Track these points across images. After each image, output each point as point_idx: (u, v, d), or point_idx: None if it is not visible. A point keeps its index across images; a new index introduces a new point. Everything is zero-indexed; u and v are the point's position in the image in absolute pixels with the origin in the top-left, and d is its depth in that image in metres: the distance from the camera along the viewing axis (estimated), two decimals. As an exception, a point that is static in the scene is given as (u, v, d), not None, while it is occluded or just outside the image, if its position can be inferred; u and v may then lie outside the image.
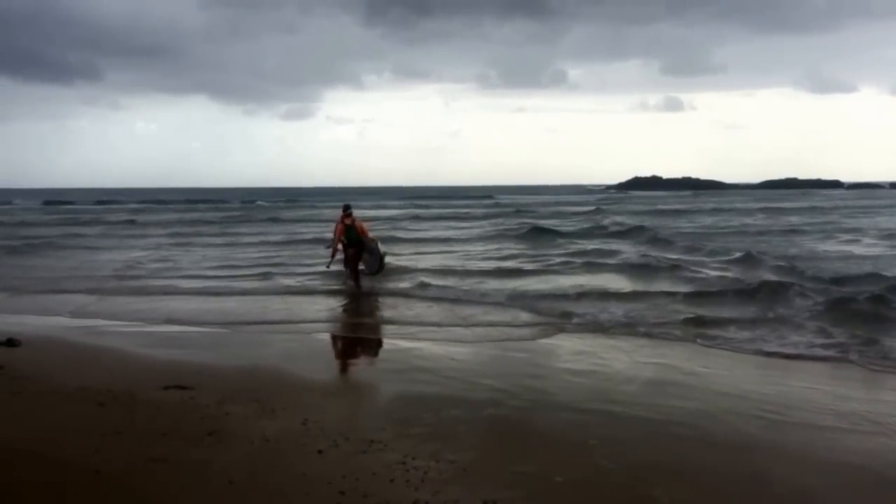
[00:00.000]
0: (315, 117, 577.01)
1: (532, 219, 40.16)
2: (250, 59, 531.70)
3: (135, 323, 11.85)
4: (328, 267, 15.38)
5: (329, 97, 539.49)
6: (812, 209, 49.95)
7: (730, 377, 8.31)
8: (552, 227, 31.71)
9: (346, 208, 14.89)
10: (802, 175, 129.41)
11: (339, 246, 14.86)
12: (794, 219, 39.53)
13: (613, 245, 24.34)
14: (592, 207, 54.08)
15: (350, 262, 14.93)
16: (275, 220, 43.75)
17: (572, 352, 9.57)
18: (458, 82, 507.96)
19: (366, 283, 15.06)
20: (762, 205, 56.16)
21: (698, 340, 10.10)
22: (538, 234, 28.66)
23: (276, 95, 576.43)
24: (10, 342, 9.46)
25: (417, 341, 10.24)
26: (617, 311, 12.08)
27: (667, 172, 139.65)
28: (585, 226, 34.56)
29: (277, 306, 13.56)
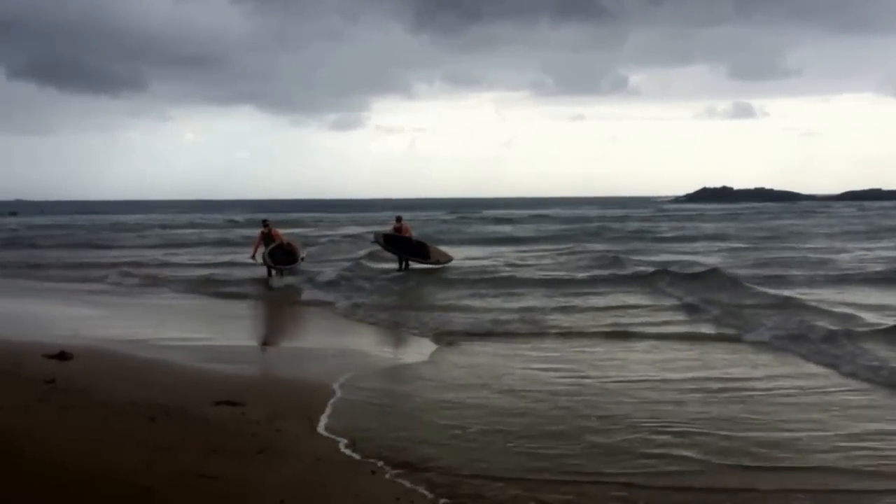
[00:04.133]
0: (364, 127, 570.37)
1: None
2: (297, 69, 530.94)
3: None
4: (252, 258, 20.50)
5: (378, 107, 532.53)
6: None
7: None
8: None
9: (265, 222, 20.59)
10: (887, 186, 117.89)
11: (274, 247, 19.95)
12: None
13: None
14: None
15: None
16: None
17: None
18: (512, 90, 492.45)
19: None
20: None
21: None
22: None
23: (323, 105, 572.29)
24: (63, 355, 9.51)
25: (471, 356, 10.07)
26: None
27: (738, 183, 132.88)
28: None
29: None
